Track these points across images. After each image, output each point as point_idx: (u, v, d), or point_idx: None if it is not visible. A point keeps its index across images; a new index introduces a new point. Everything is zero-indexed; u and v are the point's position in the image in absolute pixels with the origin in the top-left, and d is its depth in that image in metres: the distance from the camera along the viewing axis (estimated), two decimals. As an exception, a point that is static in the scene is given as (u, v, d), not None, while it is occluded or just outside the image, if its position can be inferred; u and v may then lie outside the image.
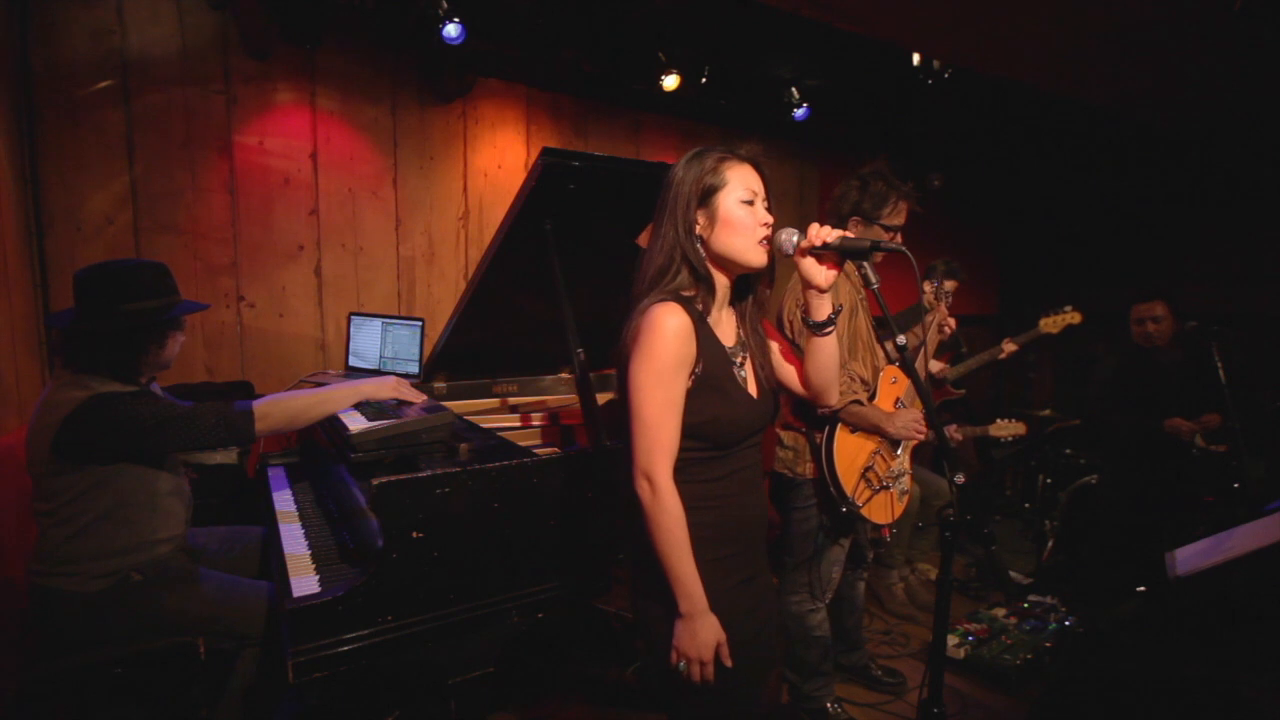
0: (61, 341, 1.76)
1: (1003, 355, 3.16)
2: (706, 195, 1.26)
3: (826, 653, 2.31)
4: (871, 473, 2.13)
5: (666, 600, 1.21)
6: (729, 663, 1.20)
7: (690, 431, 1.23)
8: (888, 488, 2.14)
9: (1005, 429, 3.36)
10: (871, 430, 2.12)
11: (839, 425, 2.11)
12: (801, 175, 5.27)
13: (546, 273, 2.04)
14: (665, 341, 1.19)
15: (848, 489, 2.08)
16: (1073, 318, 3.07)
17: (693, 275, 1.27)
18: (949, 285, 3.61)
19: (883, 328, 2.27)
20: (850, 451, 2.12)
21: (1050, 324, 3.09)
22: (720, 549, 1.27)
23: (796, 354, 1.50)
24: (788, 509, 2.27)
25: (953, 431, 3.16)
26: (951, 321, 2.43)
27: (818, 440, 2.14)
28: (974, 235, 6.16)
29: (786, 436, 2.24)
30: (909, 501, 2.29)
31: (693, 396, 1.23)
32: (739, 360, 1.33)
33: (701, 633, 1.18)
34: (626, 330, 1.26)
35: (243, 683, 1.84)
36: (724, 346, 1.30)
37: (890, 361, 2.26)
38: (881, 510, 2.15)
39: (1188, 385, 3.20)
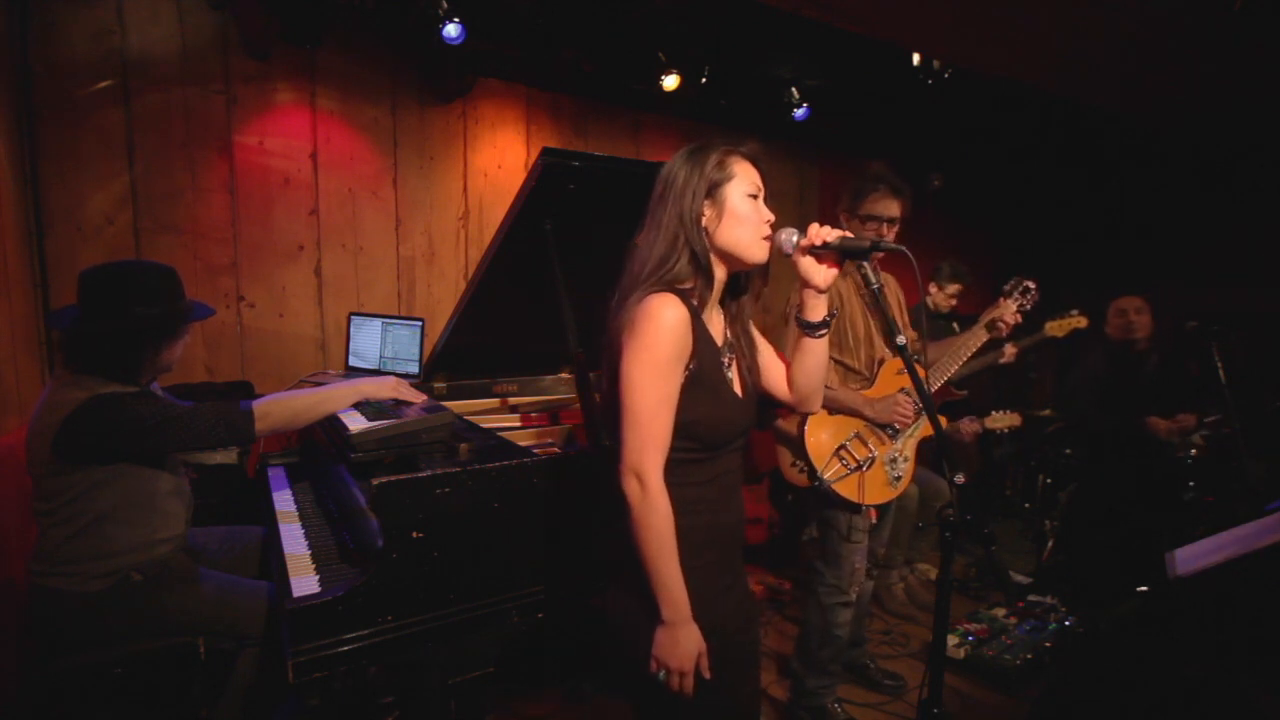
0: (62, 341, 1.76)
1: (1003, 360, 3.16)
2: (714, 188, 1.24)
3: (839, 654, 2.34)
4: (845, 452, 2.22)
5: (647, 605, 1.17)
6: (708, 674, 1.18)
7: (680, 431, 1.20)
8: (862, 468, 2.21)
9: (1001, 420, 3.39)
10: (849, 413, 2.21)
11: None
12: (801, 175, 5.27)
13: (546, 273, 2.04)
14: (663, 333, 1.15)
15: (817, 465, 2.18)
16: (1079, 321, 3.08)
17: (694, 265, 1.24)
18: (954, 288, 3.63)
19: (880, 322, 2.30)
20: (824, 431, 2.22)
21: (1056, 327, 3.10)
22: (706, 554, 1.25)
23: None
24: (799, 499, 2.33)
25: (970, 424, 3.19)
26: (1008, 319, 2.40)
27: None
28: (974, 235, 6.16)
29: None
30: (904, 490, 2.34)
31: (685, 393, 1.20)
32: (726, 360, 1.31)
33: (684, 642, 1.15)
34: (617, 321, 1.22)
35: (243, 683, 1.84)
36: (716, 343, 1.29)
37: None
38: (851, 488, 2.21)
39: (1166, 386, 3.25)
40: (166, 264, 1.89)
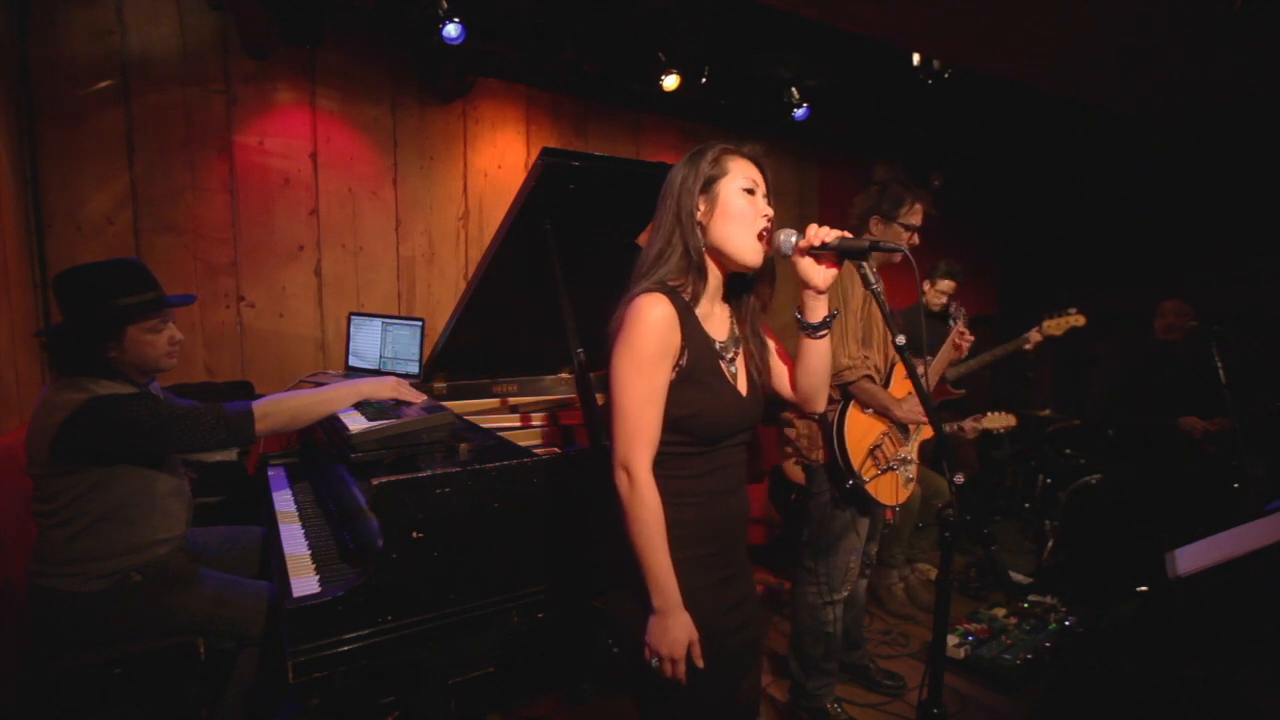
0: (47, 349, 1.77)
1: (1029, 346, 3.16)
2: (708, 183, 1.26)
3: (832, 651, 2.33)
4: (879, 452, 2.22)
5: (641, 596, 1.19)
6: (700, 662, 1.19)
7: (673, 425, 1.22)
8: (893, 469, 2.23)
9: (996, 421, 3.37)
10: (880, 411, 2.21)
11: (851, 403, 2.19)
12: (801, 175, 5.26)
13: (546, 273, 2.04)
14: (647, 331, 1.17)
15: (855, 464, 2.16)
16: (1076, 320, 3.09)
17: (686, 261, 1.25)
18: (946, 285, 3.63)
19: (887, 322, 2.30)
20: (861, 429, 2.21)
21: (1054, 325, 3.10)
22: (699, 547, 1.25)
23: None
24: (804, 496, 2.33)
25: (972, 423, 3.18)
26: (970, 336, 2.44)
27: (830, 417, 2.20)
28: (974, 235, 6.16)
29: (801, 424, 2.29)
30: (913, 491, 2.34)
31: (676, 389, 1.22)
32: (730, 355, 1.31)
33: (674, 629, 1.17)
34: (612, 320, 1.24)
35: (243, 683, 1.84)
36: (712, 340, 1.29)
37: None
38: (887, 490, 2.23)
39: (1201, 386, 3.23)
40: (131, 258, 1.90)
